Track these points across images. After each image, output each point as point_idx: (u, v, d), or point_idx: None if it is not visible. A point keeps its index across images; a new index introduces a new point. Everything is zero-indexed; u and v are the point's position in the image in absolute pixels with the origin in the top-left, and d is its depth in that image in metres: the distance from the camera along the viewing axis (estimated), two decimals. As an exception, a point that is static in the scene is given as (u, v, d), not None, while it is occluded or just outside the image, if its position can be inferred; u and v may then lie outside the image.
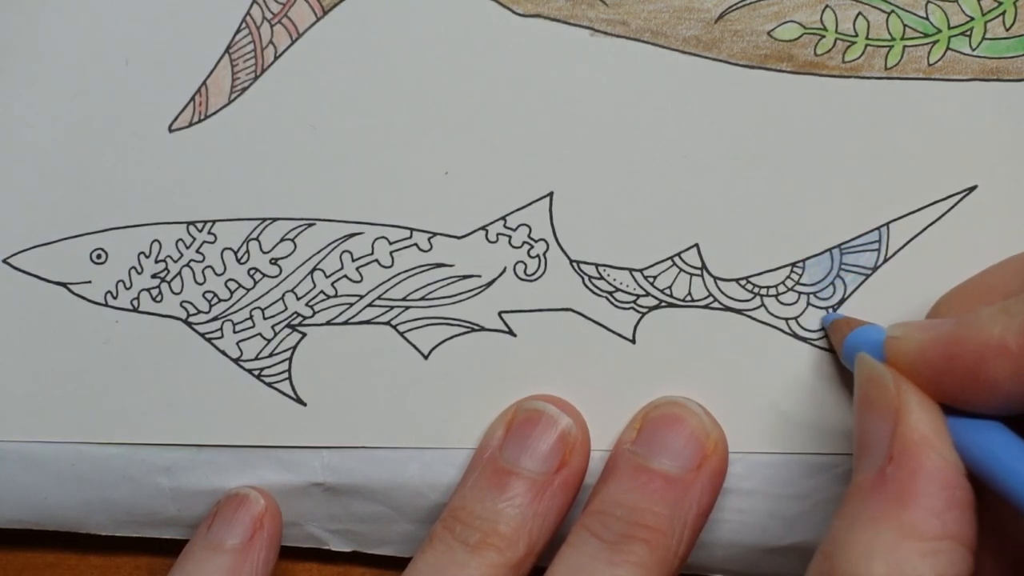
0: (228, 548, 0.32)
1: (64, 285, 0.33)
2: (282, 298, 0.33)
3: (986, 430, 0.25)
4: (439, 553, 0.30)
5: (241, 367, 0.33)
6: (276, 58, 0.33)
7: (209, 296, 0.33)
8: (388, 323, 0.33)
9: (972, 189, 0.32)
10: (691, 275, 0.32)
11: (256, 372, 0.33)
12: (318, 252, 0.33)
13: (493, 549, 0.30)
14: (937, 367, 0.26)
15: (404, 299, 0.33)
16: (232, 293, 0.33)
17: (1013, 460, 0.25)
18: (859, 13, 0.31)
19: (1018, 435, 0.25)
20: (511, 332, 0.33)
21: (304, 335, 0.33)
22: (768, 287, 0.32)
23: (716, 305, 0.32)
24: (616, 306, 0.33)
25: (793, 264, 0.32)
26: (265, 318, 0.33)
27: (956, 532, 0.25)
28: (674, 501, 0.30)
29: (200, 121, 0.33)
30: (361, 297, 0.33)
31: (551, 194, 0.33)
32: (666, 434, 0.31)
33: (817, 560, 0.26)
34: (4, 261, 0.34)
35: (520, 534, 0.30)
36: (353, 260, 0.33)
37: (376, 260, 0.33)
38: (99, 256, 0.33)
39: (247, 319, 0.33)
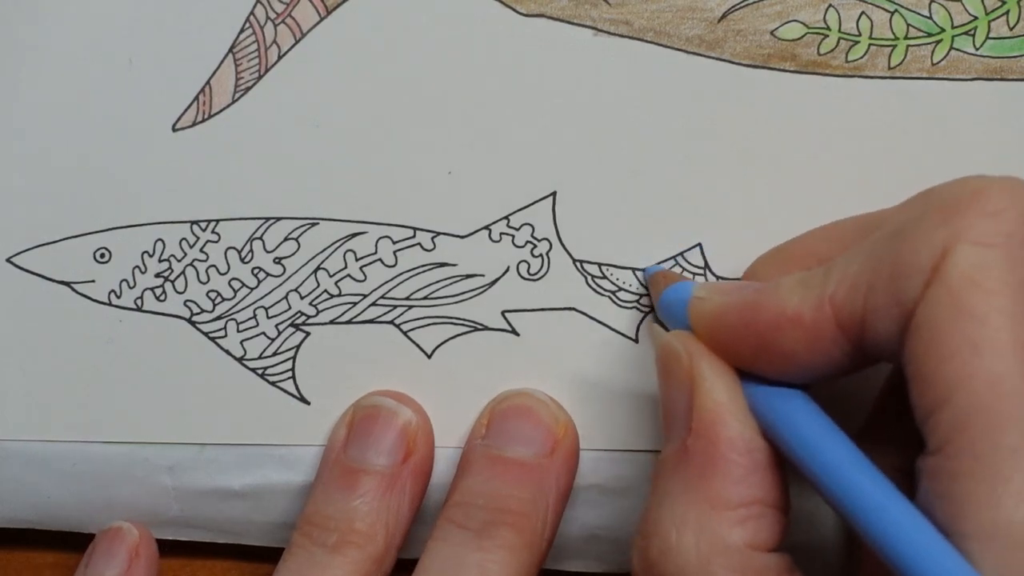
0: None
1: (67, 284, 0.33)
2: (286, 297, 0.33)
3: (784, 398, 0.25)
4: (300, 560, 0.31)
5: (245, 366, 0.33)
6: (280, 58, 0.33)
7: (213, 295, 0.33)
8: (391, 322, 0.33)
9: (975, 189, 0.32)
10: (694, 274, 0.32)
11: (260, 371, 0.33)
12: (322, 251, 0.33)
13: (353, 547, 0.30)
14: (734, 332, 0.26)
15: (407, 298, 0.33)
16: (236, 292, 0.33)
17: (805, 430, 0.24)
18: (862, 12, 0.31)
19: (818, 405, 0.25)
20: (514, 331, 0.33)
21: (308, 334, 0.33)
22: (771, 286, 0.32)
23: (719, 304, 0.32)
24: (619, 305, 0.33)
25: (796, 263, 0.32)
26: (269, 317, 0.33)
27: (762, 495, 0.25)
28: (534, 485, 0.30)
29: (204, 121, 0.33)
30: (364, 296, 0.33)
31: (554, 193, 0.33)
32: (516, 424, 0.31)
33: (636, 539, 0.26)
34: (7, 260, 0.34)
35: (376, 528, 0.31)
36: (357, 259, 0.33)
37: (379, 259, 0.33)
38: (103, 255, 0.33)
39: (251, 318, 0.33)
